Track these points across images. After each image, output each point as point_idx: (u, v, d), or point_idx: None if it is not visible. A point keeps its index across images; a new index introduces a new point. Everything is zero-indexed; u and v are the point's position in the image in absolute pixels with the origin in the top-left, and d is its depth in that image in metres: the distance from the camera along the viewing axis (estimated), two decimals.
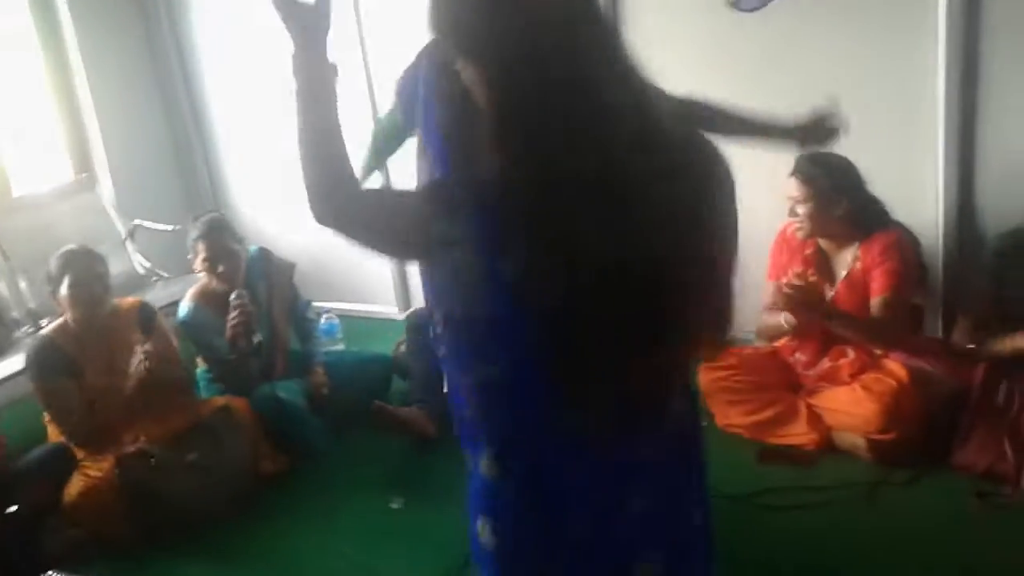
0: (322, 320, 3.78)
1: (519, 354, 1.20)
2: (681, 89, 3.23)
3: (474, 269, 1.16)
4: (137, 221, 4.19)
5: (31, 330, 3.54)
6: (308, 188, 1.25)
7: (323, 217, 1.25)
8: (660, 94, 1.77)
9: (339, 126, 1.26)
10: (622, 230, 1.13)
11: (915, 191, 2.96)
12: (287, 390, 3.16)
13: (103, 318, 2.90)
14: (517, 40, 1.12)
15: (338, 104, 1.26)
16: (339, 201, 1.25)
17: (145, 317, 3.01)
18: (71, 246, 2.94)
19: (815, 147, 2.32)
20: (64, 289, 2.84)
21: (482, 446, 1.31)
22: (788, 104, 3.07)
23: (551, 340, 1.17)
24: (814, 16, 2.99)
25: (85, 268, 2.87)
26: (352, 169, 1.27)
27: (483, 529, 1.34)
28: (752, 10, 3.07)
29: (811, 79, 3.04)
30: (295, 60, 1.25)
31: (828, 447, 2.72)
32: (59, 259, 2.88)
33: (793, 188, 2.75)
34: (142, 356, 2.86)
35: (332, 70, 1.26)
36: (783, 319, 2.78)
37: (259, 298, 3.28)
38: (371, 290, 4.30)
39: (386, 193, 1.21)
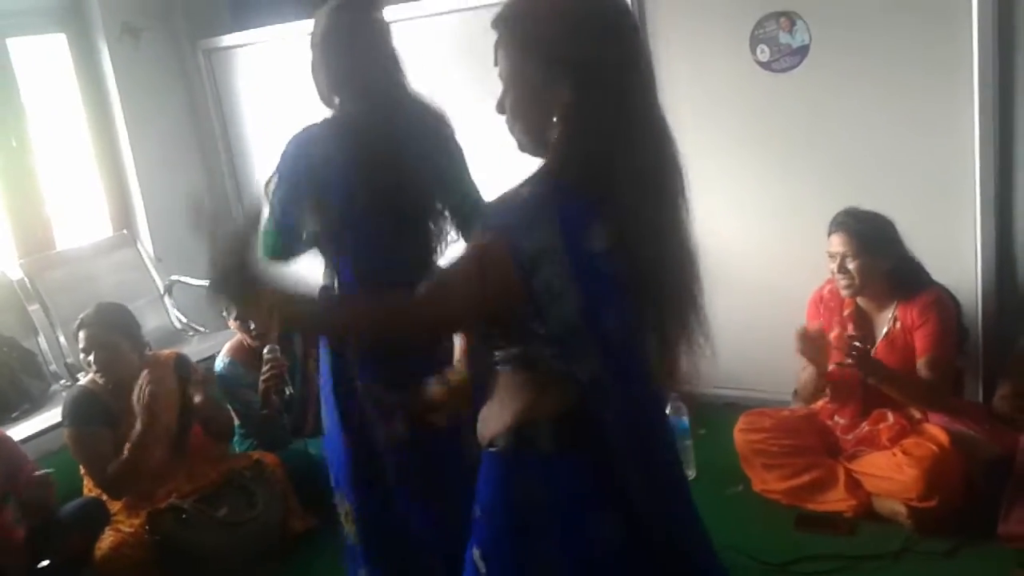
0: None
1: None
2: (715, 149, 3.26)
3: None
4: (175, 276, 4.24)
5: (68, 384, 3.58)
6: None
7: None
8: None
9: (355, 314, 1.43)
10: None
11: (952, 253, 2.92)
12: (318, 447, 3.15)
13: (135, 370, 2.92)
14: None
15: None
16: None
17: (181, 368, 3.03)
18: (89, 310, 2.90)
19: None
20: (81, 354, 2.88)
21: None
22: (821, 163, 3.09)
23: None
24: (848, 77, 2.99)
25: (99, 334, 2.84)
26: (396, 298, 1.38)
27: None
28: (785, 71, 3.09)
29: (845, 138, 3.05)
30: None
31: (868, 513, 2.66)
32: (77, 323, 2.89)
33: (838, 244, 2.71)
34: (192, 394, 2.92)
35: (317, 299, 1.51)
36: (809, 372, 2.77)
37: (293, 353, 3.30)
38: None
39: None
